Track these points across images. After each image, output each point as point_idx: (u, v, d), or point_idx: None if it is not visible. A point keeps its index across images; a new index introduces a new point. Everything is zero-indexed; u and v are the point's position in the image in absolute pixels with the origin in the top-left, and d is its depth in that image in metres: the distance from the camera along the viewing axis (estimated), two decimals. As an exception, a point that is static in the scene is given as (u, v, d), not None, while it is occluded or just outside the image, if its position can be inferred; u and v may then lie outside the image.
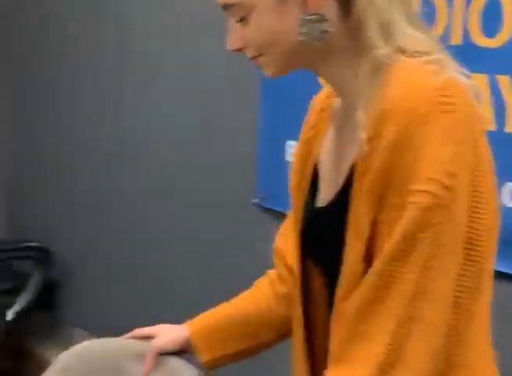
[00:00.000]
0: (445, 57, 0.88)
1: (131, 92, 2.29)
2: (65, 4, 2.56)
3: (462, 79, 0.86)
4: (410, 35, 0.89)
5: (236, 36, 0.94)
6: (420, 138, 0.81)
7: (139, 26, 2.31)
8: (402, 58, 0.87)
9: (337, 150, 0.98)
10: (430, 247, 0.81)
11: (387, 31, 0.88)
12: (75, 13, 2.50)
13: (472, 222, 0.85)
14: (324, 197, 0.97)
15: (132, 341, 1.16)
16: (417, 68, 0.86)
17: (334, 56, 0.92)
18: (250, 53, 0.94)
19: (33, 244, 2.39)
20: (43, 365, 2.67)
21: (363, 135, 0.84)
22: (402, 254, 0.82)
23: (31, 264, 2.39)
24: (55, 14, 2.61)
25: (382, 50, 0.87)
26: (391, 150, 0.82)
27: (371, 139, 0.84)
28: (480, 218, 0.85)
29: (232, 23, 0.93)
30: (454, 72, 0.86)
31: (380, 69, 0.87)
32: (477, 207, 0.85)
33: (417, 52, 0.88)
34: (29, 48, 2.72)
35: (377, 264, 0.84)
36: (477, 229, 0.85)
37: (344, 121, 0.96)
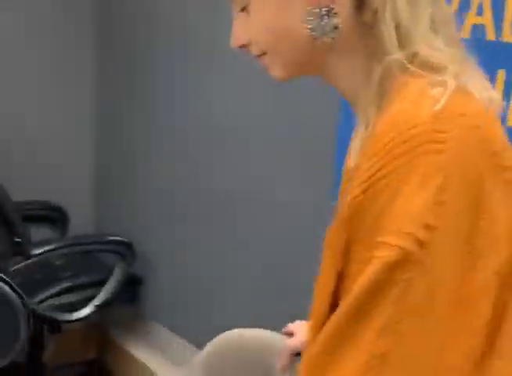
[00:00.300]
0: (462, 71, 0.77)
1: (220, 82, 2.29)
2: None
3: (482, 97, 0.75)
4: (429, 42, 0.78)
5: (238, 30, 0.85)
6: (396, 181, 0.69)
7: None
8: (410, 70, 0.76)
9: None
10: (395, 308, 0.68)
11: (404, 34, 0.77)
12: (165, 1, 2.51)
13: (464, 280, 0.70)
14: None
15: (280, 336, 1.15)
16: (415, 92, 0.74)
17: (343, 57, 0.82)
18: (254, 51, 0.85)
19: (116, 238, 2.44)
20: (125, 357, 2.74)
21: (351, 164, 0.75)
22: (359, 313, 0.70)
23: (115, 258, 2.44)
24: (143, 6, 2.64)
25: (394, 56, 0.77)
26: (363, 192, 0.71)
27: (355, 170, 0.73)
28: (473, 278, 0.70)
29: (236, 16, 0.85)
30: (467, 92, 0.74)
31: (387, 80, 0.77)
32: (475, 263, 0.71)
33: (429, 63, 0.77)
34: (115, 34, 2.77)
35: (331, 322, 0.72)
36: (471, 288, 0.70)
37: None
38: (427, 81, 0.75)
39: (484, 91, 0.77)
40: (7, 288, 0.81)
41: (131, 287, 2.61)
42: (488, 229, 0.72)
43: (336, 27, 0.79)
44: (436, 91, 0.73)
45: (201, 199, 2.38)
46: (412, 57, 0.77)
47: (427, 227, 0.68)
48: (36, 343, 2.53)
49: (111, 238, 2.46)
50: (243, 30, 0.84)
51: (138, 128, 2.69)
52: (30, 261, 2.26)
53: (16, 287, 0.79)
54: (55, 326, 2.51)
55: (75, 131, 2.87)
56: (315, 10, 0.79)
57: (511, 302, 0.73)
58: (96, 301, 2.38)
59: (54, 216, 2.79)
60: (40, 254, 2.27)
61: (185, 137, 2.43)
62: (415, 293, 0.68)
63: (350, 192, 0.73)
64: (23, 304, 0.82)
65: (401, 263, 0.68)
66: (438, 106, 0.71)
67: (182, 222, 2.49)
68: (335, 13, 0.79)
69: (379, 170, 0.70)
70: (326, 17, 0.79)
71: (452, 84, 0.74)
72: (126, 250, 2.40)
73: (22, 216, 2.55)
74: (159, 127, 2.57)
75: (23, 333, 0.83)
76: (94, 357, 2.88)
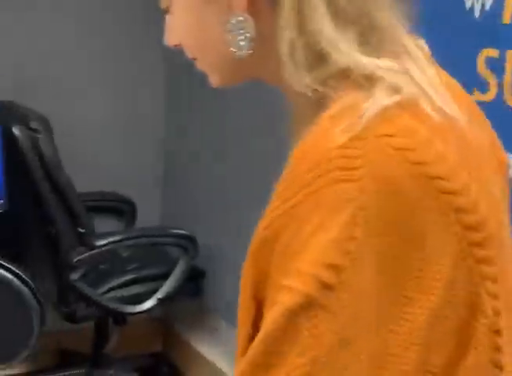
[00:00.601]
0: (406, 81, 0.65)
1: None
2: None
3: (435, 108, 0.63)
4: (357, 54, 0.66)
5: (169, 29, 0.77)
6: (301, 215, 0.60)
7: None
8: (344, 85, 0.65)
9: None
10: (299, 360, 0.59)
11: (318, 52, 0.66)
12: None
13: (390, 333, 0.61)
14: None
15: None
16: (336, 111, 0.63)
17: (271, 64, 0.70)
18: (187, 53, 0.78)
19: (180, 232, 2.42)
20: (189, 351, 2.73)
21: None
22: (266, 360, 0.61)
23: (179, 251, 2.42)
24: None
25: (304, 80, 0.66)
26: (268, 226, 0.63)
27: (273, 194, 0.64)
28: (398, 333, 0.61)
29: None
30: (409, 105, 0.63)
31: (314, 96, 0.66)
32: (402, 316, 0.61)
33: (365, 76, 0.65)
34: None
35: (242, 364, 0.63)
36: (395, 346, 0.61)
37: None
38: (351, 98, 0.64)
39: (442, 102, 0.66)
40: (16, 280, 0.79)
41: (195, 281, 2.60)
42: (423, 273, 0.61)
43: (251, 41, 0.70)
44: (361, 108, 0.63)
45: (267, 193, 2.34)
46: (343, 72, 0.66)
47: (333, 268, 0.59)
48: (100, 334, 2.55)
49: (175, 231, 2.45)
50: (168, 31, 0.78)
51: (204, 123, 2.67)
52: (94, 251, 2.27)
53: (28, 280, 0.77)
54: (120, 318, 2.52)
55: (142, 128, 2.88)
56: (228, 23, 0.70)
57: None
58: (159, 295, 2.38)
59: (122, 208, 2.80)
60: (104, 245, 2.28)
61: (253, 131, 2.41)
62: (321, 343, 0.59)
63: (260, 222, 0.65)
64: (36, 298, 0.79)
65: (303, 310, 0.59)
66: (357, 128, 0.61)
67: (246, 216, 2.46)
68: (248, 24, 0.69)
69: (283, 202, 0.62)
70: (240, 30, 0.70)
71: (380, 99, 0.63)
72: (189, 243, 2.38)
73: (90, 207, 2.58)
74: (229, 122, 2.55)
75: (36, 328, 0.80)
76: (159, 350, 2.88)
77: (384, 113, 0.62)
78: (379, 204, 0.60)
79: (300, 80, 0.67)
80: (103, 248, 2.28)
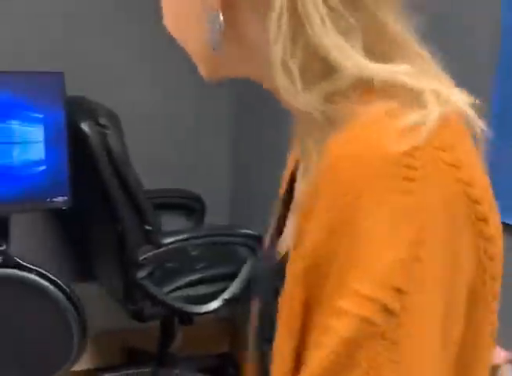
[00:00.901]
0: (435, 86, 0.59)
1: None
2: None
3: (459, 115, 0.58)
4: (368, 62, 0.59)
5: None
6: (358, 229, 0.54)
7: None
8: (356, 98, 0.58)
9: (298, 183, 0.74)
10: None
11: (319, 62, 0.58)
12: None
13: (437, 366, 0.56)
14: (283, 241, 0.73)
15: None
16: (379, 119, 0.57)
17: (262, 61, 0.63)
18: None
19: (248, 232, 2.37)
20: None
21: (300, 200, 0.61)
22: None
23: (247, 251, 2.38)
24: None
25: (304, 97, 0.59)
26: (321, 241, 0.56)
27: (302, 219, 0.59)
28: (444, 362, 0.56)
29: None
30: (449, 120, 0.57)
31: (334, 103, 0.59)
32: (446, 340, 0.56)
33: (385, 85, 0.58)
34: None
35: None
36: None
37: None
38: (382, 107, 0.58)
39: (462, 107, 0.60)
40: (52, 288, 0.75)
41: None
42: (460, 293, 0.57)
43: (224, 36, 0.64)
44: (412, 118, 0.57)
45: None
46: (362, 83, 0.59)
47: (397, 291, 0.54)
48: (166, 333, 2.52)
49: (242, 231, 2.40)
50: (163, 13, 0.72)
51: (273, 122, 2.62)
52: (160, 250, 2.24)
53: (64, 286, 0.72)
54: (186, 317, 2.49)
55: (212, 126, 2.85)
56: (203, 13, 0.65)
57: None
58: (225, 295, 2.33)
59: (192, 205, 2.77)
60: (170, 243, 2.25)
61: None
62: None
63: (302, 240, 0.58)
64: (74, 305, 0.75)
65: (363, 339, 0.54)
66: (418, 137, 0.55)
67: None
68: (219, 19, 0.63)
69: (338, 214, 0.55)
70: (213, 23, 0.64)
71: (435, 108, 0.58)
72: (257, 244, 2.33)
73: (159, 204, 2.56)
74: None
75: (76, 336, 0.76)
76: (226, 351, 2.85)
77: (438, 124, 0.57)
78: (436, 223, 0.55)
79: (298, 97, 0.60)
80: (169, 247, 2.25)
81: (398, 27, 0.63)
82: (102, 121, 2.14)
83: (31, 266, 0.80)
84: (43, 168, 2.16)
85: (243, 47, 0.66)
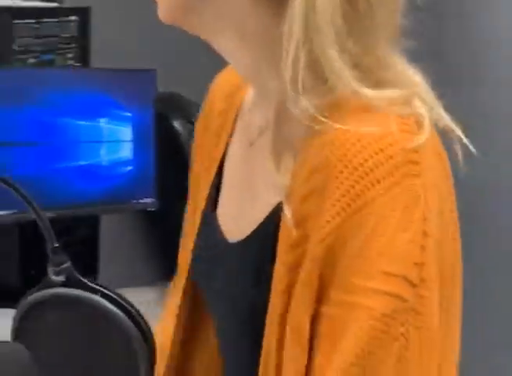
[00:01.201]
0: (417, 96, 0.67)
1: None
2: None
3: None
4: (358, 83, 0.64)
5: None
6: (377, 210, 0.61)
7: None
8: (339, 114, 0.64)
9: (248, 170, 0.76)
10: (396, 369, 0.61)
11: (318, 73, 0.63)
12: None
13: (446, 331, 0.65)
14: (229, 224, 0.76)
15: None
16: (384, 114, 0.63)
17: (248, 32, 0.69)
18: None
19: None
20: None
21: (288, 192, 0.63)
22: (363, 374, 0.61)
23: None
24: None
25: (302, 101, 0.63)
26: (336, 225, 0.61)
27: (303, 201, 0.63)
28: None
29: None
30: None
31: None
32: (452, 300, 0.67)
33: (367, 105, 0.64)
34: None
35: None
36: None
37: (259, 133, 0.73)
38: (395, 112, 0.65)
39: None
40: (117, 310, 0.65)
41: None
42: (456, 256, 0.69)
43: None
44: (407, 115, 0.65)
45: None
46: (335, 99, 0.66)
47: (418, 265, 0.62)
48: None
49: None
50: None
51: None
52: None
53: (131, 309, 0.62)
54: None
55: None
56: None
57: None
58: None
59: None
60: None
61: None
62: (411, 350, 0.62)
63: (314, 226, 0.63)
64: (141, 329, 0.65)
65: (397, 313, 0.61)
66: (421, 136, 0.64)
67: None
68: None
69: (354, 200, 0.61)
70: None
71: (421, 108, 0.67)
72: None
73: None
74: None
75: (143, 364, 0.66)
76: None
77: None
78: (434, 200, 0.63)
79: (297, 101, 0.65)
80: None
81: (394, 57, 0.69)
82: (195, 118, 2.05)
83: (96, 286, 0.70)
84: (130, 168, 2.08)
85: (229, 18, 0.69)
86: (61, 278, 0.74)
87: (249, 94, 0.80)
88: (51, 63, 2.20)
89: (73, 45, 2.25)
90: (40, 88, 1.97)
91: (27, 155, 1.97)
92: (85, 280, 0.74)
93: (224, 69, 0.85)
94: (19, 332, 0.77)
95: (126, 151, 2.08)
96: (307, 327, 0.64)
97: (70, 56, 2.26)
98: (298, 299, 0.65)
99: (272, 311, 0.67)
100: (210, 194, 0.82)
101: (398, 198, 0.61)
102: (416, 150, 0.62)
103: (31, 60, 2.14)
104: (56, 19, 2.18)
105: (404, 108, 0.65)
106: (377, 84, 0.66)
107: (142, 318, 0.73)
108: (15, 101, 1.92)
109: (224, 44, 0.73)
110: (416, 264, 0.61)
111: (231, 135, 0.82)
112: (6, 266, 2.03)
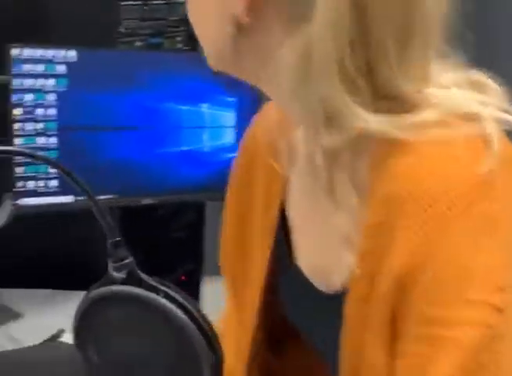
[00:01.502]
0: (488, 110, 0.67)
1: None
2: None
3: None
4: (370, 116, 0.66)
5: None
6: (454, 237, 0.60)
7: None
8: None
9: (314, 208, 0.77)
10: None
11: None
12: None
13: None
14: (315, 275, 0.78)
15: None
16: (446, 142, 0.63)
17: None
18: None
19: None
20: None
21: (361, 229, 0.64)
22: None
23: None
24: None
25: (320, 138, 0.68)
26: (407, 256, 0.60)
27: (374, 235, 0.63)
28: None
29: None
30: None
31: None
32: None
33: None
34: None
35: None
36: None
37: (315, 176, 0.73)
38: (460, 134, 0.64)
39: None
40: (180, 313, 0.60)
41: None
42: None
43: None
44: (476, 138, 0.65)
45: None
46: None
47: (501, 289, 0.60)
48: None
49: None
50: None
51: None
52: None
53: (194, 311, 0.57)
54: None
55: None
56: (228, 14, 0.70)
57: None
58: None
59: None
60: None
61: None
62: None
63: (387, 262, 0.62)
64: (204, 334, 0.61)
65: (488, 343, 0.59)
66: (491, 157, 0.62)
67: None
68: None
69: (428, 221, 0.60)
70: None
71: (492, 128, 0.65)
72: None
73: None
74: None
75: (206, 371, 0.62)
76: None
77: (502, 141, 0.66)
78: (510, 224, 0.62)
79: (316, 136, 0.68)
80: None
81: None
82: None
83: (159, 286, 0.65)
84: (233, 154, 2.03)
85: (258, 53, 0.71)
86: (122, 275, 0.69)
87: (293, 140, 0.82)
88: (158, 46, 2.18)
89: (182, 29, 2.22)
90: (145, 71, 1.95)
91: (130, 139, 1.96)
92: (146, 278, 0.69)
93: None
94: (80, 329, 0.74)
95: (229, 137, 2.04)
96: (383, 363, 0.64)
97: (178, 39, 2.23)
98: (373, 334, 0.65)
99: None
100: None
101: (479, 218, 0.61)
102: (486, 173, 0.62)
103: (138, 43, 2.13)
104: (164, 1, 2.16)
105: (467, 127, 0.65)
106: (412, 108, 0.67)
107: (207, 321, 0.69)
108: (119, 84, 1.91)
109: (270, 90, 0.76)
110: (499, 289, 0.60)
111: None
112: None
